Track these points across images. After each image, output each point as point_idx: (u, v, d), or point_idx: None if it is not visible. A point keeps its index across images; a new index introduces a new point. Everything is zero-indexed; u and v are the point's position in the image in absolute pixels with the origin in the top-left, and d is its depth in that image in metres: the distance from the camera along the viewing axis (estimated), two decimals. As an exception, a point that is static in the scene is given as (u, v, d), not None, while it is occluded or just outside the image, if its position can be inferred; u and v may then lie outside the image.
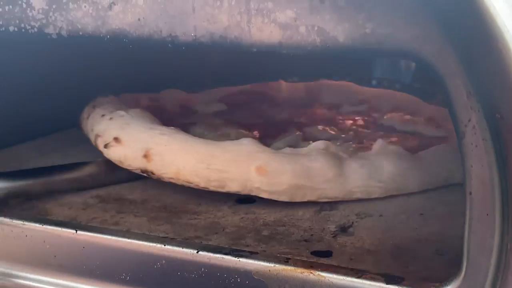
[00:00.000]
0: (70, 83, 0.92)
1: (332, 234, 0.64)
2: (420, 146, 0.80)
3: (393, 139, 0.86)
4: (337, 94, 1.09)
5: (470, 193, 0.48)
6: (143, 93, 0.98)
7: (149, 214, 0.69)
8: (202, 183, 0.69)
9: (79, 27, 0.58)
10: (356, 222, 0.67)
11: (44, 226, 0.65)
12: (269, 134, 0.87)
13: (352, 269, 0.55)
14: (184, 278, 0.59)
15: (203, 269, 0.59)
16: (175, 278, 0.60)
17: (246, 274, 0.57)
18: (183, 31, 0.54)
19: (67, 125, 0.94)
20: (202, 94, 1.05)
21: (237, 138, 0.81)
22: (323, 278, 0.55)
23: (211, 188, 0.70)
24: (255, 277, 0.57)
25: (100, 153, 0.77)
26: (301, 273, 0.56)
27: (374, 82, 1.25)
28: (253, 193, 0.69)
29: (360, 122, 0.97)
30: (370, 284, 0.54)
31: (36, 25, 0.60)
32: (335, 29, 0.49)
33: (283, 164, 0.69)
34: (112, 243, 0.63)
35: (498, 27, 0.43)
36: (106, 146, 0.75)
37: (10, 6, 0.60)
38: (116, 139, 0.74)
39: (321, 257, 0.59)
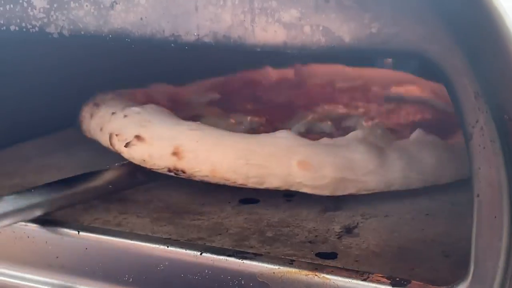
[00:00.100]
0: (70, 82, 0.91)
1: (337, 235, 0.63)
2: (442, 122, 0.80)
3: (418, 115, 0.85)
4: (328, 74, 1.06)
5: (478, 195, 0.48)
6: (136, 88, 0.94)
7: (152, 215, 0.68)
8: (240, 180, 0.67)
9: (81, 26, 0.57)
10: (361, 222, 0.66)
11: (46, 227, 0.65)
12: (279, 118, 0.85)
13: (357, 272, 0.55)
14: (187, 280, 0.59)
15: (206, 271, 0.58)
16: (178, 280, 0.59)
17: (250, 276, 0.57)
18: (186, 31, 0.54)
19: (67, 124, 0.93)
20: (190, 86, 1.01)
21: (251, 125, 0.82)
22: (328, 281, 0.54)
23: (249, 185, 0.67)
24: (260, 280, 0.56)
25: (116, 153, 0.74)
26: (305, 275, 0.55)
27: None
28: (293, 188, 0.67)
29: (365, 96, 0.95)
30: (376, 287, 0.53)
31: (38, 24, 0.59)
32: (340, 29, 0.49)
33: (325, 156, 0.67)
34: (114, 244, 0.62)
35: (506, 27, 0.42)
36: (127, 145, 0.71)
37: (11, 5, 0.59)
38: (138, 137, 0.70)
39: (326, 259, 0.58)
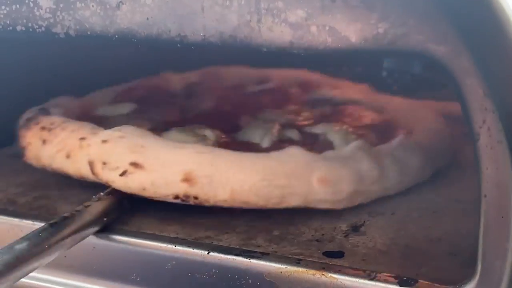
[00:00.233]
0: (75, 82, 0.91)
1: (343, 233, 0.63)
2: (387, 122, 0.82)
3: (365, 117, 0.85)
4: (235, 76, 1.02)
5: (485, 196, 0.48)
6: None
7: (159, 213, 0.68)
8: (261, 202, 0.64)
9: (87, 26, 0.57)
10: (368, 221, 0.66)
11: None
12: (231, 129, 0.81)
13: (364, 271, 0.55)
14: (194, 279, 0.59)
15: (214, 270, 0.59)
16: (186, 279, 0.59)
17: (258, 275, 0.57)
18: (192, 31, 0.54)
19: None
20: (91, 98, 0.91)
21: (217, 138, 0.76)
22: (335, 280, 0.55)
23: (269, 206, 0.65)
24: (267, 279, 0.57)
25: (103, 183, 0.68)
26: (313, 274, 0.55)
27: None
28: (311, 205, 0.65)
29: (292, 99, 0.93)
30: (383, 286, 0.54)
31: (44, 25, 0.59)
32: (347, 29, 0.49)
33: (340, 170, 0.66)
34: (122, 243, 0.62)
35: (514, 28, 0.42)
36: (123, 174, 0.65)
37: (17, 5, 0.59)
38: (135, 165, 0.65)
39: (333, 257, 0.58)
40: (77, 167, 0.70)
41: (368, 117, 0.86)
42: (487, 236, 0.48)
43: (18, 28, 0.60)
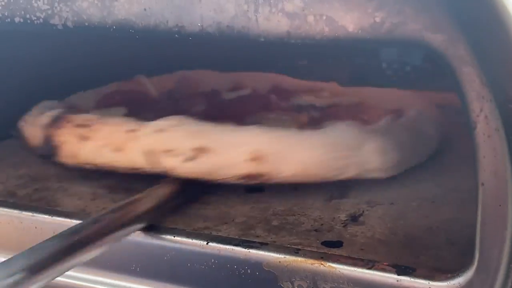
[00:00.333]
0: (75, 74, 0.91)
1: (342, 223, 0.63)
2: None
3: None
4: (206, 81, 1.02)
5: (483, 184, 0.48)
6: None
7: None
8: (323, 175, 0.67)
9: (85, 17, 0.57)
10: (367, 210, 0.66)
11: (53, 217, 0.65)
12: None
13: (363, 260, 0.55)
14: (193, 269, 0.59)
15: (213, 260, 0.59)
16: (185, 270, 0.59)
17: (256, 265, 0.57)
18: (190, 21, 0.54)
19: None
20: (73, 101, 0.89)
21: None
22: (333, 269, 0.55)
23: (331, 179, 0.67)
24: (266, 269, 0.57)
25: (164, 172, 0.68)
26: (311, 264, 0.56)
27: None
28: (365, 176, 0.69)
29: (276, 105, 0.93)
30: (381, 275, 0.54)
31: (42, 16, 0.59)
32: (344, 18, 0.49)
33: (388, 140, 0.70)
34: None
35: (509, 15, 0.42)
36: (189, 159, 0.66)
37: (15, -3, 0.59)
38: (201, 150, 0.66)
39: (332, 247, 0.58)
40: (129, 158, 0.69)
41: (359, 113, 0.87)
42: (485, 224, 0.49)
43: (16, 19, 0.60)
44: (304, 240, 0.60)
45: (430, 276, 0.53)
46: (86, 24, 0.57)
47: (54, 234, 0.63)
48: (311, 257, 0.56)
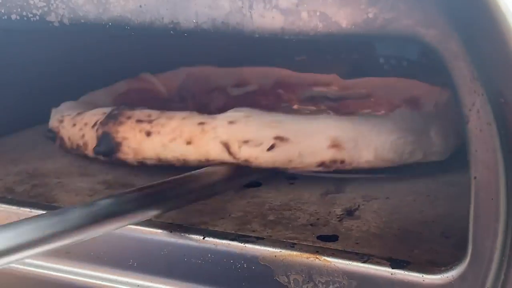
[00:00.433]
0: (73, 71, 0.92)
1: (338, 217, 0.64)
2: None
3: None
4: (210, 78, 1.02)
5: (475, 178, 0.48)
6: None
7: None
8: (397, 159, 0.69)
9: (81, 14, 0.57)
10: (363, 205, 0.67)
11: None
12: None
13: (357, 254, 0.56)
14: (190, 264, 0.60)
15: (209, 255, 0.59)
16: (182, 264, 0.60)
17: (252, 259, 0.58)
18: (185, 18, 0.54)
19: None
20: (91, 100, 0.89)
21: None
22: (328, 263, 0.55)
23: (401, 163, 0.70)
24: (261, 263, 0.57)
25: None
26: (307, 258, 0.56)
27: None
28: (427, 159, 0.71)
29: (288, 99, 0.95)
30: (375, 269, 0.54)
31: (38, 13, 0.59)
32: (337, 14, 0.49)
33: (445, 125, 0.73)
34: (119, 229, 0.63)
35: (501, 11, 0.42)
36: (270, 148, 0.67)
37: (12, -6, 0.60)
38: (280, 138, 0.67)
39: (327, 241, 0.59)
40: (204, 151, 0.69)
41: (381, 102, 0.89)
42: (478, 217, 0.49)
43: (13, 17, 0.60)
44: (300, 234, 0.60)
45: (424, 269, 0.53)
46: (82, 21, 0.57)
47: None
48: (306, 251, 0.56)
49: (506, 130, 0.46)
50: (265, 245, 0.58)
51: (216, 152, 0.68)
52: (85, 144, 0.76)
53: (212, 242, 0.59)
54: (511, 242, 0.48)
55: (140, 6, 0.55)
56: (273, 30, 0.51)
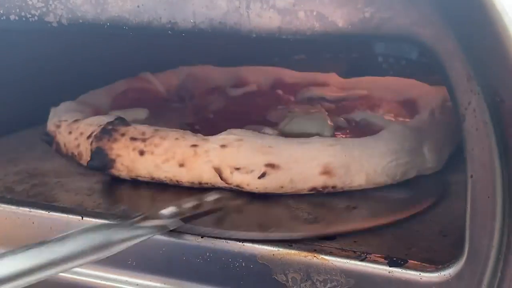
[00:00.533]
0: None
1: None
2: None
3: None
4: (209, 78, 1.02)
5: (471, 176, 0.49)
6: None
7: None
8: (389, 181, 0.68)
9: (79, 15, 0.58)
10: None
11: (51, 212, 0.66)
12: (270, 124, 0.83)
13: (355, 252, 0.56)
14: (189, 263, 0.60)
15: (208, 253, 0.59)
16: (180, 263, 0.60)
17: (251, 258, 0.58)
18: (183, 18, 0.54)
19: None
20: (89, 100, 0.89)
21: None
22: (326, 262, 0.55)
23: (393, 182, 0.69)
24: (260, 261, 0.58)
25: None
26: (305, 256, 0.56)
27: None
28: (421, 173, 0.71)
29: (287, 99, 0.94)
30: (373, 267, 0.54)
31: (37, 14, 0.59)
32: (334, 14, 0.49)
33: (439, 138, 0.73)
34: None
35: (496, 11, 0.43)
36: (261, 176, 0.66)
37: (10, -5, 0.60)
38: (271, 166, 0.66)
39: (325, 240, 0.59)
40: (196, 174, 0.69)
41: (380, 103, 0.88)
42: (474, 215, 0.49)
43: (12, 17, 0.60)
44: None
45: (421, 267, 0.53)
46: (80, 21, 0.58)
47: (51, 230, 0.65)
48: (304, 250, 0.57)
49: (502, 128, 0.46)
50: (263, 243, 0.58)
51: (208, 176, 0.68)
52: (80, 154, 0.75)
53: (210, 241, 0.59)
54: (507, 240, 0.48)
55: (138, 6, 0.55)
56: (270, 30, 0.51)
